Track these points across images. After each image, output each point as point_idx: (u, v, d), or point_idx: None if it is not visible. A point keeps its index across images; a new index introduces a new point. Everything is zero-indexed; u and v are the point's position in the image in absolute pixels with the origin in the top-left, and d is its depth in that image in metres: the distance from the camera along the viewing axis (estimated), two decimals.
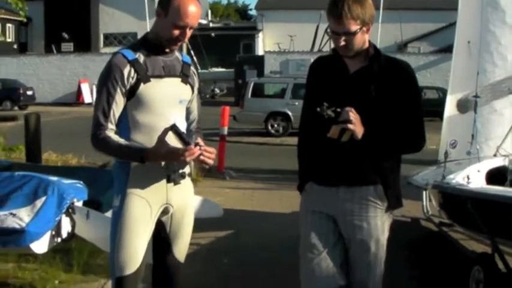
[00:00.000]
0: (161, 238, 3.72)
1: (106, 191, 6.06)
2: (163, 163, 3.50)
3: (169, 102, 3.56)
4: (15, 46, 48.66)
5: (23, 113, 26.06)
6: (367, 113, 3.51)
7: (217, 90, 41.72)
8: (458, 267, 6.18)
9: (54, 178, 5.48)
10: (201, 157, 3.38)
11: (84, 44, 45.42)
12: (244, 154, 16.60)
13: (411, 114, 3.65)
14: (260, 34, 49.89)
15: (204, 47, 40.55)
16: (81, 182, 5.65)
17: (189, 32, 3.49)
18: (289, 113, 22.40)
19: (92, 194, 5.68)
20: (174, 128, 3.38)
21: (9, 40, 47.78)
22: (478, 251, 6.44)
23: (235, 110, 21.96)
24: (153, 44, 3.55)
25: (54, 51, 42.74)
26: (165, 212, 3.65)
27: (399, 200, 3.78)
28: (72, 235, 5.42)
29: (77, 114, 30.25)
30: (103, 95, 3.47)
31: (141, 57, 3.50)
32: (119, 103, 3.47)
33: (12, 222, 4.98)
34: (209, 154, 3.42)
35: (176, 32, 3.46)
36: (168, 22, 3.44)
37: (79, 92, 37.94)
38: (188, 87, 3.68)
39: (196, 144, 3.36)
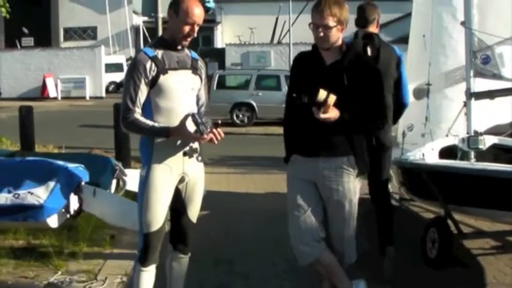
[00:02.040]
0: (177, 203, 4.37)
1: (102, 173, 6.63)
2: (179, 141, 4.20)
3: (183, 90, 4.25)
4: None
5: None
6: (340, 98, 4.24)
7: None
8: (417, 231, 6.85)
9: (60, 162, 5.99)
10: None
11: (45, 38, 44.75)
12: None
13: (375, 99, 4.45)
14: (219, 27, 49.49)
15: None
16: (82, 166, 6.12)
17: (196, 28, 4.21)
18: (254, 104, 22.87)
19: (90, 176, 6.13)
20: (193, 116, 4.11)
21: None
22: None
23: None
24: (169, 43, 4.24)
25: (18, 47, 42.08)
26: (181, 180, 4.32)
27: (367, 166, 4.59)
28: (79, 211, 5.98)
29: (44, 108, 30.00)
30: (130, 85, 4.12)
31: (159, 54, 4.18)
32: (143, 91, 4.13)
33: (31, 199, 5.54)
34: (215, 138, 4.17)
35: (187, 29, 4.17)
36: (180, 21, 4.15)
37: (44, 86, 37.23)
38: (197, 77, 4.39)
39: (211, 130, 4.09)
